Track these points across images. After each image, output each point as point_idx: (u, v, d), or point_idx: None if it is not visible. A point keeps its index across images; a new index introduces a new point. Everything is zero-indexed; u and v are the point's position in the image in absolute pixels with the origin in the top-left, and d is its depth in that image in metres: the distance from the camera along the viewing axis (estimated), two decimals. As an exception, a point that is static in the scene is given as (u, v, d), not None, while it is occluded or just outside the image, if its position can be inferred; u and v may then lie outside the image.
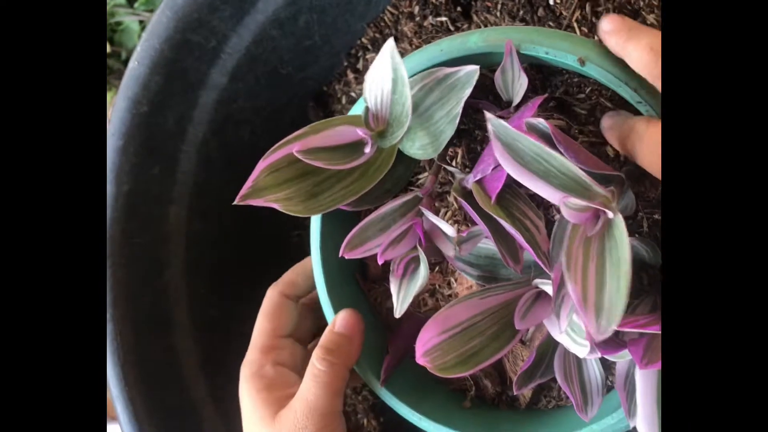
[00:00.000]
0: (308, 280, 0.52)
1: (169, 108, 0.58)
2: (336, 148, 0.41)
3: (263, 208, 0.48)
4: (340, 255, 0.43)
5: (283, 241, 0.66)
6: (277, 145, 0.41)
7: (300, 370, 0.49)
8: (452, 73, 0.41)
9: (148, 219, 0.59)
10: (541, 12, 0.50)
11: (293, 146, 0.40)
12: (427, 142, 0.42)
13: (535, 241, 0.39)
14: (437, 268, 0.51)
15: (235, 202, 0.40)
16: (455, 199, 0.48)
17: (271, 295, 0.51)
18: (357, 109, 0.46)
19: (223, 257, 0.62)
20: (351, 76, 0.62)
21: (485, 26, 0.52)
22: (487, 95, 0.46)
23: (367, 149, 0.41)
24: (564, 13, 0.49)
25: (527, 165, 0.36)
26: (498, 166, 0.39)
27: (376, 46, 0.60)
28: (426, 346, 0.41)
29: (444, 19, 0.54)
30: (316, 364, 0.46)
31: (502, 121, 0.36)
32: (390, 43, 0.39)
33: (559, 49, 0.41)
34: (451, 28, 0.54)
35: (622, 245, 0.34)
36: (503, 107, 0.45)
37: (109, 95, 1.08)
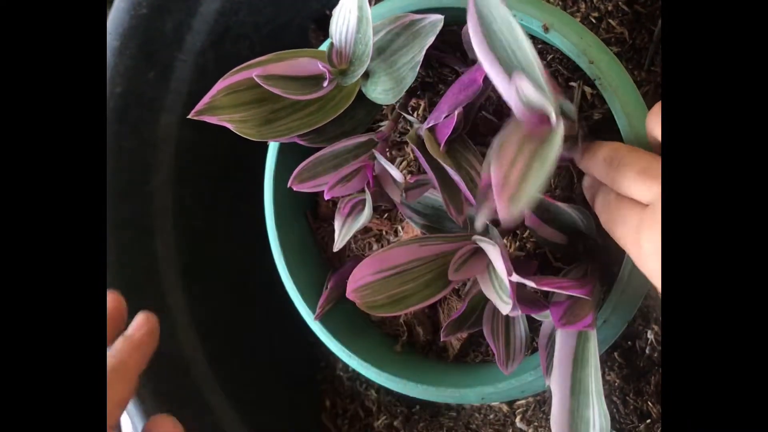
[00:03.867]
0: None
1: (168, 13, 0.57)
2: (296, 79, 0.42)
3: None
4: (288, 185, 0.44)
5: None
6: (238, 67, 0.42)
7: None
8: (418, 20, 0.42)
9: (139, 123, 0.58)
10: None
11: (254, 71, 0.41)
12: (389, 87, 0.43)
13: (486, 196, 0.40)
14: (386, 215, 0.52)
15: (189, 116, 0.41)
16: (412, 149, 0.49)
17: None
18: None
19: (212, 170, 0.62)
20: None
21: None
22: (455, 52, 0.47)
23: (326, 83, 0.42)
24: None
25: (495, 49, 0.36)
26: (450, 114, 0.40)
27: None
28: (358, 282, 0.42)
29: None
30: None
31: None
32: (358, -20, 0.40)
33: (525, 14, 0.42)
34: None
35: (553, 149, 0.35)
36: (468, 65, 0.46)
37: None
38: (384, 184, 0.45)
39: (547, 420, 0.54)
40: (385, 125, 0.48)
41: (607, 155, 0.39)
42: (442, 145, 0.41)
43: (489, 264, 0.41)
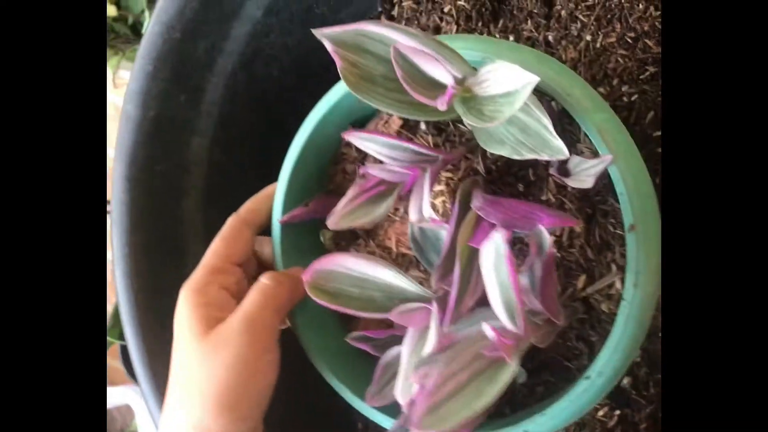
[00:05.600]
0: (270, 207, 0.51)
1: (201, 36, 0.58)
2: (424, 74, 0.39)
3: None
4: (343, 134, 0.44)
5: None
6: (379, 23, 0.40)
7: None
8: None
9: (171, 146, 0.59)
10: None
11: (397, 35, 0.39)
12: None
13: (463, 296, 0.40)
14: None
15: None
16: (455, 191, 0.47)
17: (231, 221, 0.50)
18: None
19: (241, 191, 0.60)
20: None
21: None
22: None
23: (446, 99, 0.38)
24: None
25: None
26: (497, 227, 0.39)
27: (414, -7, 0.59)
28: (323, 267, 0.43)
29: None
30: (263, 279, 0.47)
31: None
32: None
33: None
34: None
35: (499, 384, 0.36)
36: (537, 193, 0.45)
37: (115, 60, 1.08)
38: (412, 198, 0.44)
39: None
40: (456, 150, 0.47)
41: None
42: (470, 243, 0.40)
43: (426, 330, 0.42)
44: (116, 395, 1.13)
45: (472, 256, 0.39)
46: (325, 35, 0.38)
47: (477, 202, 0.40)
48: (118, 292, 0.59)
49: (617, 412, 0.52)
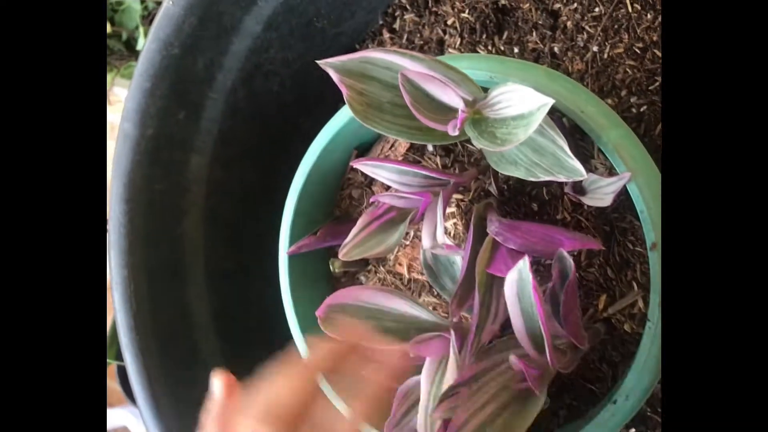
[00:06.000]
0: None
1: (200, 52, 0.57)
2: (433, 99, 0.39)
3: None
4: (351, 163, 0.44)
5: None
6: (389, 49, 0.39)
7: None
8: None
9: (170, 165, 0.58)
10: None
11: (406, 62, 0.38)
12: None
13: (483, 325, 0.39)
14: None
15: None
16: (469, 213, 0.47)
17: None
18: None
19: (242, 209, 0.62)
20: (386, 35, 0.61)
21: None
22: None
23: (457, 126, 0.37)
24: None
25: None
26: (520, 255, 0.38)
27: (415, 6, 0.59)
28: (336, 301, 0.43)
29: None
30: None
31: None
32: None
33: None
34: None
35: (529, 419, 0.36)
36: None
37: (109, 77, 1.08)
38: (425, 221, 0.43)
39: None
40: (467, 173, 0.46)
41: None
42: (489, 270, 0.39)
43: (445, 360, 0.41)
44: (114, 417, 1.12)
45: (491, 282, 0.39)
46: (330, 65, 0.38)
47: (493, 227, 0.39)
48: (116, 315, 0.58)
49: (632, 430, 0.51)
